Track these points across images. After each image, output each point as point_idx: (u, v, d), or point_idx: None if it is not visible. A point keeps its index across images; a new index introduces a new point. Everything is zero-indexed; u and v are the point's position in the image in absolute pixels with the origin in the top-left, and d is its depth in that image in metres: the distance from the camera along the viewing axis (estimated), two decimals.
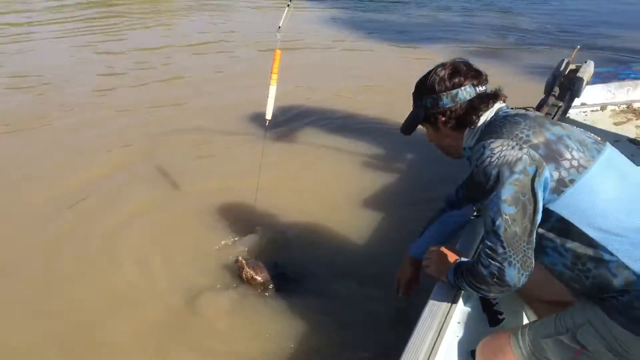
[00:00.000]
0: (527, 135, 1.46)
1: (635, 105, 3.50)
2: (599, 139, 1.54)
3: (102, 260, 3.06)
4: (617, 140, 3.07)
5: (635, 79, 3.59)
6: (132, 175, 4.06)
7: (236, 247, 3.06)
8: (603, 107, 3.51)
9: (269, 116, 2.95)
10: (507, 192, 1.42)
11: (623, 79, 3.59)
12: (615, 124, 3.30)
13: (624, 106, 3.50)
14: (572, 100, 3.32)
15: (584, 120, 3.39)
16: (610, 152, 1.51)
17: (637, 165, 1.56)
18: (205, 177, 4.00)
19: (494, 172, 1.45)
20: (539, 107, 3.00)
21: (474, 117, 1.64)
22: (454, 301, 1.77)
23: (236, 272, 2.82)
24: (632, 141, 3.05)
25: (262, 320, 2.56)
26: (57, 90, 6.05)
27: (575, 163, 1.44)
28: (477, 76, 1.67)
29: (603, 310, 1.44)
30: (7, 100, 5.68)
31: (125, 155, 4.43)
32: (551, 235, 1.49)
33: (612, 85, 3.55)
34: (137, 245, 3.19)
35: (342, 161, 4.08)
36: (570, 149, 1.45)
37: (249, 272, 2.73)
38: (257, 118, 4.66)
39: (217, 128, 4.87)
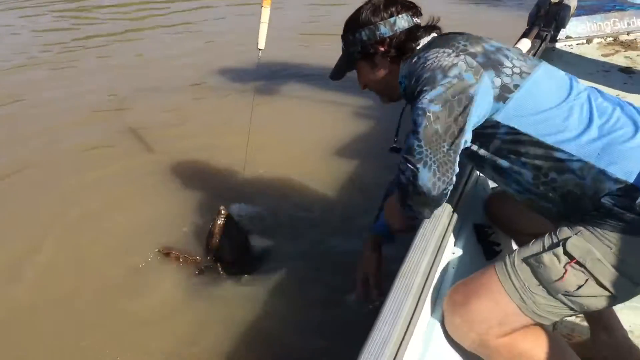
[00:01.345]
0: (464, 45, 1.38)
1: (622, 37, 3.32)
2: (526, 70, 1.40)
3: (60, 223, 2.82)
4: (607, 71, 2.90)
5: (621, 9, 3.41)
6: (108, 131, 3.85)
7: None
8: (589, 40, 3.33)
9: (261, 45, 2.54)
10: (435, 93, 1.32)
11: (608, 11, 3.40)
12: (603, 55, 3.12)
13: (611, 38, 3.32)
14: (558, 30, 3.12)
15: (571, 52, 3.19)
16: (549, 66, 1.44)
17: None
18: (185, 133, 3.80)
19: (427, 74, 1.35)
20: (527, 33, 2.78)
21: (414, 44, 1.53)
22: (445, 234, 1.58)
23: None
24: (623, 70, 2.87)
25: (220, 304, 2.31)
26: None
27: (517, 70, 1.36)
28: (413, 7, 1.59)
29: (589, 224, 1.28)
30: None
31: (100, 110, 4.22)
32: (504, 152, 1.38)
33: (598, 17, 3.37)
34: (98, 207, 2.96)
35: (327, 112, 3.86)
36: (510, 58, 1.38)
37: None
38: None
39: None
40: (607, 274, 1.25)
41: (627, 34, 3.32)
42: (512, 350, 1.35)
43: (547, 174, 1.33)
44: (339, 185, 2.97)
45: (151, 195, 3.05)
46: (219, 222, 2.39)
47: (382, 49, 1.56)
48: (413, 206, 1.42)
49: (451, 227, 1.62)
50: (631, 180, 1.23)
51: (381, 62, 1.59)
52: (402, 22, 1.55)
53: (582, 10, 3.38)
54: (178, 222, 2.78)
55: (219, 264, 2.40)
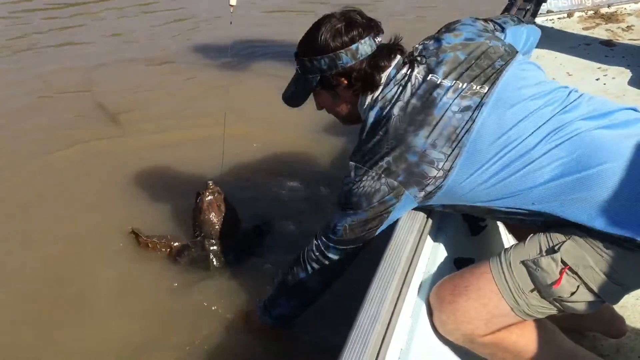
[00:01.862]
0: (388, 163, 1.38)
1: (603, 10, 3.32)
2: (484, 90, 1.39)
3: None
4: (588, 44, 2.90)
5: None
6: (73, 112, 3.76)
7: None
8: (570, 14, 3.33)
9: (233, 1, 2.43)
10: (358, 217, 1.46)
11: None
12: (584, 28, 3.12)
13: (592, 12, 3.32)
14: (539, 5, 3.11)
15: (552, 26, 3.18)
16: (500, 105, 1.37)
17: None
18: (156, 116, 3.72)
19: (353, 200, 1.44)
20: (508, 8, 2.77)
21: (378, 77, 1.46)
22: (430, 212, 1.58)
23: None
24: (604, 43, 2.87)
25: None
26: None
27: (441, 174, 1.36)
28: (375, 26, 1.50)
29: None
30: None
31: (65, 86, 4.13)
32: (457, 208, 1.49)
33: None
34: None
35: None
36: (437, 164, 1.35)
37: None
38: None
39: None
40: (599, 281, 1.28)
41: (608, 7, 3.32)
42: (498, 345, 1.38)
43: (513, 215, 1.40)
44: (323, 163, 2.96)
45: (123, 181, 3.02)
46: (207, 197, 2.33)
47: (344, 81, 1.48)
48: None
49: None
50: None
51: (343, 93, 1.52)
52: (365, 47, 1.45)
53: None
54: (157, 208, 2.75)
55: (206, 242, 2.35)
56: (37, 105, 3.94)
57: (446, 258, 1.65)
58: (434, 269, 1.57)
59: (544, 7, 3.24)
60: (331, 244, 1.56)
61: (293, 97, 1.62)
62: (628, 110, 1.42)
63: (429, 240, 1.58)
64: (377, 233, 1.48)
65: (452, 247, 1.69)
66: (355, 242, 1.51)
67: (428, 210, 1.56)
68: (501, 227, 1.89)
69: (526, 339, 1.38)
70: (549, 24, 3.24)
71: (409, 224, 1.48)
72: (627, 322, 1.90)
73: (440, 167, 1.35)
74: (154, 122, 3.60)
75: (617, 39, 2.91)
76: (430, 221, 1.56)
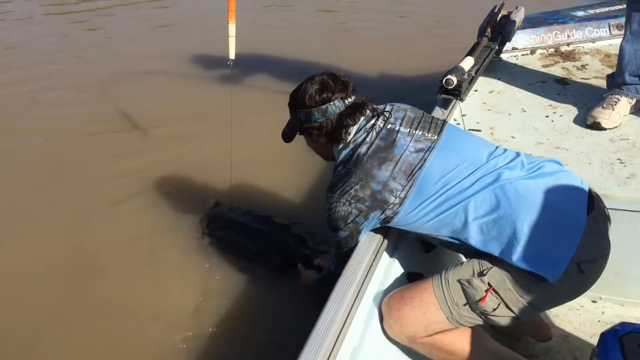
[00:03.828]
0: (356, 191, 1.66)
1: (562, 48, 3.57)
2: (434, 138, 1.71)
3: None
4: (544, 82, 3.14)
5: (563, 23, 3.65)
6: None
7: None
8: (533, 51, 3.58)
9: (232, 56, 2.77)
10: (341, 234, 1.75)
11: (551, 24, 3.65)
12: (544, 66, 3.37)
13: (552, 49, 3.57)
14: (503, 43, 3.36)
15: (515, 62, 3.45)
16: (445, 149, 1.69)
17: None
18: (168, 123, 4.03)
19: (333, 223, 1.73)
20: (472, 50, 3.03)
21: (344, 132, 1.75)
22: (387, 234, 1.85)
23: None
24: (558, 81, 3.13)
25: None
26: None
27: (398, 201, 1.64)
28: (345, 89, 1.77)
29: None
30: None
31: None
32: (410, 233, 1.79)
33: (541, 30, 3.61)
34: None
35: None
36: (395, 192, 1.64)
37: None
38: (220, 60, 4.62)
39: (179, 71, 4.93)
40: (515, 301, 1.56)
41: (567, 45, 3.57)
42: (434, 345, 1.66)
43: (452, 244, 1.69)
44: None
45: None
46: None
47: (317, 132, 1.77)
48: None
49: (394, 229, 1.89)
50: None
51: (317, 139, 1.81)
52: (334, 108, 1.74)
53: (528, 24, 3.61)
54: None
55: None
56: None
57: (400, 272, 1.93)
58: (389, 281, 1.84)
59: (509, 44, 3.50)
60: (335, 255, 1.89)
61: (285, 135, 1.93)
62: (551, 162, 1.70)
63: (385, 256, 1.85)
64: (358, 241, 1.77)
65: (406, 263, 1.96)
66: (347, 249, 1.79)
67: (385, 231, 1.84)
68: None
69: (457, 340, 1.66)
70: (512, 60, 3.49)
71: (367, 243, 1.76)
72: (557, 328, 2.18)
73: (397, 195, 1.63)
74: (166, 136, 3.91)
75: (571, 77, 3.17)
76: (386, 241, 1.83)
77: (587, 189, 1.62)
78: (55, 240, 2.97)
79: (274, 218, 2.90)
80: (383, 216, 1.68)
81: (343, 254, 1.78)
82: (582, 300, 2.27)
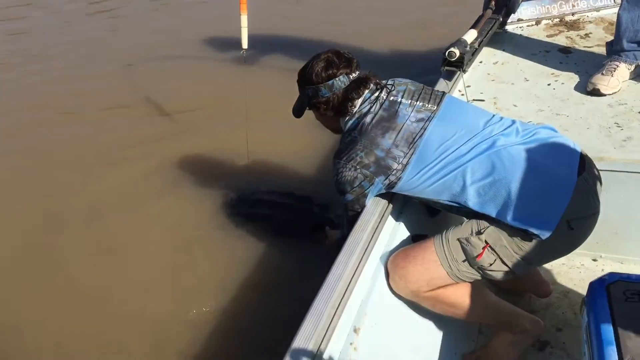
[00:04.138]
0: (361, 157, 1.77)
1: (567, 18, 3.61)
2: (433, 108, 1.81)
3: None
4: (548, 51, 3.20)
5: None
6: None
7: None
8: (538, 22, 3.62)
9: (245, 45, 2.90)
10: (348, 197, 1.86)
11: None
12: (548, 36, 3.41)
13: (557, 20, 3.62)
14: (508, 15, 3.43)
15: (520, 34, 3.51)
16: (446, 115, 1.79)
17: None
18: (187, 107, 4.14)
19: (340, 187, 1.85)
20: (475, 23, 3.10)
21: (349, 105, 1.85)
22: (392, 199, 1.96)
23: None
24: (562, 50, 3.18)
25: None
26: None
27: (401, 167, 1.75)
28: (349, 65, 1.87)
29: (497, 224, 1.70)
30: None
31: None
32: (413, 199, 1.91)
33: (546, 1, 3.65)
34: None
35: None
36: (398, 159, 1.75)
37: None
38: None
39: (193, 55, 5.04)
40: (510, 257, 1.68)
41: (572, 15, 3.61)
42: (436, 298, 1.79)
43: (451, 207, 1.80)
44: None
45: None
46: None
47: (324, 106, 1.88)
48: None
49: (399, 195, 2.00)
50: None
51: (325, 113, 1.91)
52: (339, 83, 1.84)
53: None
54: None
55: None
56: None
57: (406, 235, 2.05)
58: (395, 242, 1.96)
59: (514, 16, 3.56)
60: (344, 218, 1.99)
61: (295, 110, 2.05)
62: (545, 129, 1.80)
63: (390, 220, 1.96)
64: (365, 204, 1.88)
65: (411, 226, 2.08)
66: (354, 211, 1.90)
67: (390, 197, 1.95)
68: None
69: (458, 294, 1.78)
70: (518, 32, 3.55)
71: (373, 208, 1.88)
72: (558, 285, 2.30)
73: (400, 162, 1.74)
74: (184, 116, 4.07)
75: (574, 46, 3.22)
76: (391, 205, 1.95)
77: (579, 152, 1.72)
78: (75, 218, 3.15)
79: (295, 192, 3.10)
80: (387, 181, 1.79)
81: (352, 216, 1.90)
82: (583, 259, 2.38)
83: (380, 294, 1.78)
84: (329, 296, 1.51)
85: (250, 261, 2.74)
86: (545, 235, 1.60)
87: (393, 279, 1.80)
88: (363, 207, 1.88)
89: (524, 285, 2.17)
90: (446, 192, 1.74)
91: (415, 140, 1.75)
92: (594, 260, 2.38)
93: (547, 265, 2.34)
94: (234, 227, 2.95)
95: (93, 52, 5.44)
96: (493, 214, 1.66)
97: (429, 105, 1.81)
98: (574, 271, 2.34)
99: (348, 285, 1.59)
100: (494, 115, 1.83)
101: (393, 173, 1.77)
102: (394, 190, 1.85)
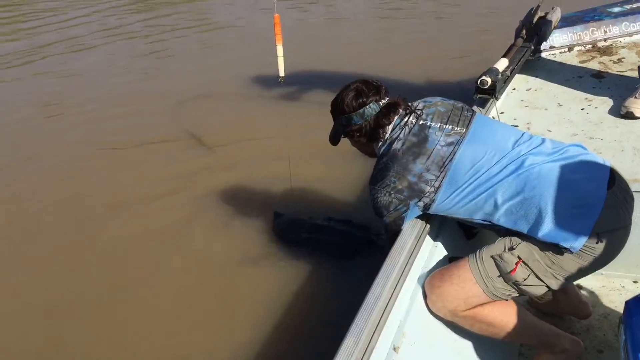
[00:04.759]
0: (394, 183, 1.83)
1: (600, 44, 3.63)
2: (462, 131, 1.85)
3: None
4: (581, 77, 3.22)
5: (599, 19, 3.71)
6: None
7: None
8: (570, 48, 3.66)
9: (282, 73, 3.04)
10: (386, 220, 1.92)
11: (587, 21, 3.71)
12: (581, 62, 3.44)
13: (589, 46, 3.64)
14: (540, 43, 3.47)
15: (553, 60, 3.54)
16: (473, 142, 1.83)
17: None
18: (228, 143, 4.33)
19: (378, 210, 1.92)
20: (507, 52, 3.15)
21: (381, 131, 1.92)
22: (429, 218, 2.00)
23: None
24: (595, 75, 3.20)
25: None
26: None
27: (433, 189, 1.81)
28: (377, 92, 1.94)
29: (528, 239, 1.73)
30: None
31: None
32: (451, 216, 1.91)
33: (578, 28, 3.68)
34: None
35: None
36: (430, 182, 1.80)
37: None
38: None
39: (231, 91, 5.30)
40: (543, 271, 1.71)
41: (605, 41, 3.63)
42: (474, 317, 1.80)
43: (485, 226, 1.84)
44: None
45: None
46: None
47: (357, 134, 1.96)
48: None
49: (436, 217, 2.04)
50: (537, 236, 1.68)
51: (359, 139, 2.00)
52: (370, 110, 1.91)
53: (565, 22, 3.69)
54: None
55: None
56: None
57: (443, 256, 2.08)
58: (432, 264, 2.00)
59: (546, 43, 3.60)
60: (384, 233, 2.06)
61: (331, 139, 2.11)
62: (574, 147, 1.83)
63: (428, 241, 2.00)
64: (402, 227, 1.94)
65: (448, 248, 2.11)
66: (392, 233, 1.96)
67: (427, 219, 2.00)
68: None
69: (496, 313, 1.80)
70: (551, 58, 3.58)
71: (409, 230, 1.92)
72: (600, 307, 2.28)
73: (432, 184, 1.80)
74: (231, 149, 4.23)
75: (607, 71, 3.23)
76: (428, 226, 1.99)
77: (608, 167, 1.74)
78: (120, 240, 3.31)
79: (336, 217, 3.21)
80: (422, 203, 1.84)
81: (391, 237, 1.95)
82: (623, 281, 2.36)
83: (418, 314, 1.81)
84: (368, 315, 1.55)
85: (294, 280, 2.84)
86: (575, 248, 1.62)
87: (430, 298, 1.83)
88: (401, 228, 1.94)
89: (564, 307, 2.17)
90: (479, 212, 1.78)
91: (446, 164, 1.80)
92: (635, 282, 2.35)
93: (587, 287, 2.33)
94: (280, 249, 3.06)
95: (137, 91, 5.69)
96: (525, 231, 1.69)
97: (458, 128, 1.85)
98: (614, 293, 2.32)
99: (387, 305, 1.63)
100: (523, 134, 1.87)
101: (426, 196, 1.82)
102: (429, 212, 1.90)
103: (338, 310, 2.54)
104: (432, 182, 1.80)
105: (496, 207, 1.73)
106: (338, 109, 2.00)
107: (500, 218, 1.73)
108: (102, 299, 2.86)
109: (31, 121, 5.17)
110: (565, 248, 1.63)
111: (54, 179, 4.07)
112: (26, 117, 5.25)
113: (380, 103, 1.93)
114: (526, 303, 2.26)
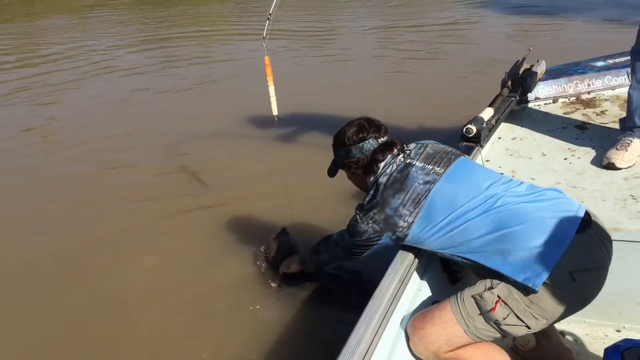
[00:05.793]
0: (374, 214, 1.92)
1: (583, 97, 3.70)
2: (441, 171, 1.92)
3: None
4: (565, 127, 3.28)
5: (583, 73, 3.79)
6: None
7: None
8: (555, 100, 3.72)
9: (275, 112, 3.09)
10: (355, 242, 2.03)
11: (571, 74, 3.79)
12: (565, 113, 3.50)
13: (573, 98, 3.71)
14: (525, 94, 3.54)
15: (538, 110, 3.60)
16: (453, 177, 1.91)
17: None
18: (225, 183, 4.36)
19: (351, 232, 2.03)
20: (493, 101, 3.21)
21: (375, 167, 2.02)
22: (413, 262, 2.01)
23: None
24: (578, 126, 3.25)
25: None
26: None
27: (406, 225, 1.88)
28: (378, 130, 2.07)
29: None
30: None
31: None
32: (424, 248, 1.96)
33: (562, 80, 3.75)
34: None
35: None
36: (404, 217, 1.87)
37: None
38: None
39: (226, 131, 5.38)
40: (522, 310, 1.71)
41: (588, 93, 3.70)
42: (457, 359, 1.78)
43: (459, 261, 1.86)
44: None
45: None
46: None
47: (355, 166, 2.06)
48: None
49: (422, 258, 2.05)
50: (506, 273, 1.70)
51: (355, 171, 2.09)
52: (369, 145, 2.04)
53: (549, 75, 3.77)
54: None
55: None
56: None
57: (427, 298, 2.07)
58: (415, 306, 1.99)
59: (532, 95, 3.67)
60: (341, 246, 2.24)
61: (330, 170, 2.25)
62: (552, 191, 1.86)
63: (411, 285, 2.00)
64: (364, 255, 2.08)
65: (432, 292, 2.11)
66: (351, 252, 2.11)
67: (410, 262, 2.00)
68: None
69: (478, 355, 1.78)
70: (536, 109, 3.64)
71: (393, 274, 1.92)
72: (583, 355, 2.26)
73: (405, 220, 1.87)
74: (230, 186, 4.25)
75: (590, 122, 3.28)
76: (411, 271, 1.99)
77: (583, 209, 1.78)
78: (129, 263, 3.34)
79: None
80: (394, 237, 1.92)
81: (345, 255, 2.21)
82: (607, 329, 2.34)
83: (401, 358, 1.79)
84: (349, 359, 1.54)
85: (279, 319, 2.81)
86: (536, 286, 1.63)
87: (413, 341, 1.82)
88: (361, 255, 2.09)
89: (547, 354, 2.14)
90: (451, 246, 1.83)
91: (421, 200, 1.86)
92: (618, 330, 2.34)
93: (570, 335, 2.32)
94: (279, 290, 3.02)
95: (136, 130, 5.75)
96: (494, 267, 1.72)
97: (438, 169, 1.93)
98: (598, 342, 2.30)
99: (368, 349, 1.61)
100: (502, 177, 1.93)
101: (400, 230, 1.89)
102: (403, 243, 1.96)
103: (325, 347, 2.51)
104: (406, 218, 1.86)
105: (468, 243, 1.77)
106: (339, 142, 2.11)
107: (471, 254, 1.77)
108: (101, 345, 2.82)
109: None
110: (527, 286, 1.64)
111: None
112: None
113: (379, 140, 2.04)
114: (510, 350, 2.24)
